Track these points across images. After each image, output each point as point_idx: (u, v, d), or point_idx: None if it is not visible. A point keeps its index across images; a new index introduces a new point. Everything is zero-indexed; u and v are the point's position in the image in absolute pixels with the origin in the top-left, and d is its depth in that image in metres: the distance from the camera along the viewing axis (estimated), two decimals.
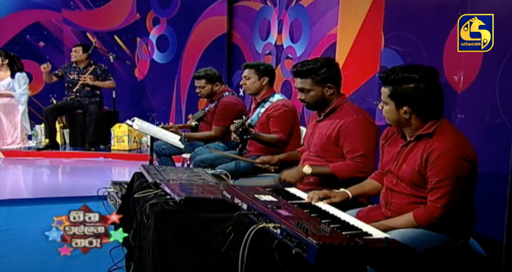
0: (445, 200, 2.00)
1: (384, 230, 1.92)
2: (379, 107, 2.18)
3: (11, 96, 6.86)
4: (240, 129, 3.20)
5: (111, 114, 7.18)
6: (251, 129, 3.36)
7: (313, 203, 2.21)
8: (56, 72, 6.93)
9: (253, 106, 3.92)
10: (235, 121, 3.20)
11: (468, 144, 2.06)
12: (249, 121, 3.58)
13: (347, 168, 2.64)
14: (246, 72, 3.78)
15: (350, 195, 2.34)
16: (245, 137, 3.34)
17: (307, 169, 2.67)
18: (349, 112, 2.71)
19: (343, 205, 2.23)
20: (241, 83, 3.86)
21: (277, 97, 3.72)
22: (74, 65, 6.87)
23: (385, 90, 2.10)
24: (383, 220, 2.13)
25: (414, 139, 2.11)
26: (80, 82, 6.77)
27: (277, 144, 3.45)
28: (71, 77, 6.84)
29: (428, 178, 2.04)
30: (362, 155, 2.63)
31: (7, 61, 6.86)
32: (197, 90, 4.51)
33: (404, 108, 2.06)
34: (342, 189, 2.37)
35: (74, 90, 6.81)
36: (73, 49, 6.88)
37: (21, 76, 6.89)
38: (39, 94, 7.77)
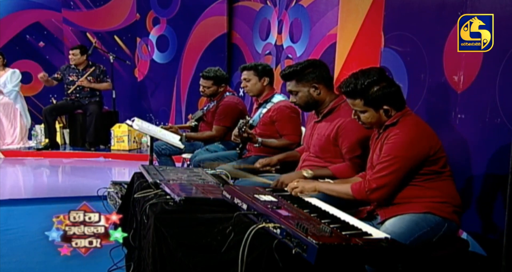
0: (380, 174, 2.14)
1: (325, 190, 2.29)
2: (353, 117, 2.35)
3: (1, 93, 6.85)
4: (242, 129, 3.21)
5: (111, 114, 7.18)
6: (257, 137, 3.37)
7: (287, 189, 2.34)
8: (55, 75, 6.92)
9: (254, 106, 3.92)
10: (241, 121, 3.23)
11: (426, 131, 2.21)
12: (250, 121, 3.58)
13: (346, 169, 2.66)
14: (245, 74, 3.77)
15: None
16: (255, 145, 3.40)
17: (307, 173, 2.69)
18: (347, 112, 2.71)
19: (343, 205, 2.24)
20: (242, 85, 3.84)
21: (278, 97, 3.71)
22: (73, 66, 6.86)
23: (356, 102, 2.26)
24: (328, 184, 2.37)
25: (383, 130, 2.27)
26: (76, 84, 6.76)
27: (289, 147, 3.40)
28: (70, 78, 6.84)
29: None
30: (359, 155, 2.64)
31: (5, 61, 6.87)
32: (200, 89, 4.48)
33: (384, 107, 2.22)
34: (327, 180, 2.47)
35: (69, 91, 6.81)
36: (70, 52, 6.84)
37: (12, 72, 6.88)
38: (39, 94, 7.79)
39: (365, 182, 2.18)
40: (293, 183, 2.36)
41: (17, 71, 6.94)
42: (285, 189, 2.40)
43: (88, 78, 6.81)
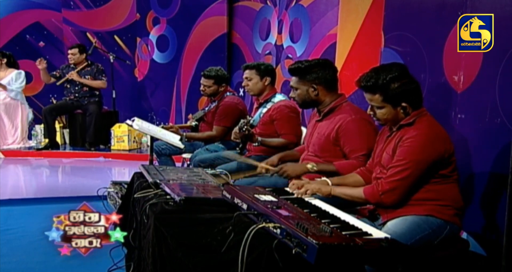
0: (395, 177, 2.11)
1: (339, 194, 2.24)
2: (369, 112, 2.28)
3: (5, 89, 6.85)
4: (243, 129, 3.21)
5: (111, 114, 7.19)
6: (256, 136, 3.37)
7: (293, 191, 2.29)
8: (54, 73, 6.93)
9: (255, 106, 3.92)
10: (242, 120, 3.22)
11: (442, 134, 2.17)
12: (251, 121, 3.58)
13: (351, 167, 2.64)
14: (247, 73, 3.77)
15: (330, 183, 2.41)
16: (254, 145, 3.40)
17: (311, 166, 2.69)
18: (348, 112, 2.72)
19: (342, 205, 2.24)
20: (243, 84, 3.84)
21: (279, 97, 3.71)
22: (72, 66, 6.87)
23: (375, 97, 2.20)
24: (342, 188, 2.31)
25: (397, 129, 2.23)
26: (65, 77, 6.76)
27: (288, 147, 3.39)
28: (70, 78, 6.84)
29: None
30: (365, 154, 2.64)
31: (5, 60, 6.88)
32: (201, 88, 4.48)
33: (402, 104, 2.18)
34: (323, 178, 2.45)
35: (58, 83, 6.81)
36: (69, 51, 6.85)
37: (17, 73, 6.91)
38: (39, 94, 7.79)
39: (378, 185, 2.15)
40: (309, 184, 2.32)
41: (22, 72, 6.97)
42: (289, 189, 2.37)
43: (87, 77, 6.80)
